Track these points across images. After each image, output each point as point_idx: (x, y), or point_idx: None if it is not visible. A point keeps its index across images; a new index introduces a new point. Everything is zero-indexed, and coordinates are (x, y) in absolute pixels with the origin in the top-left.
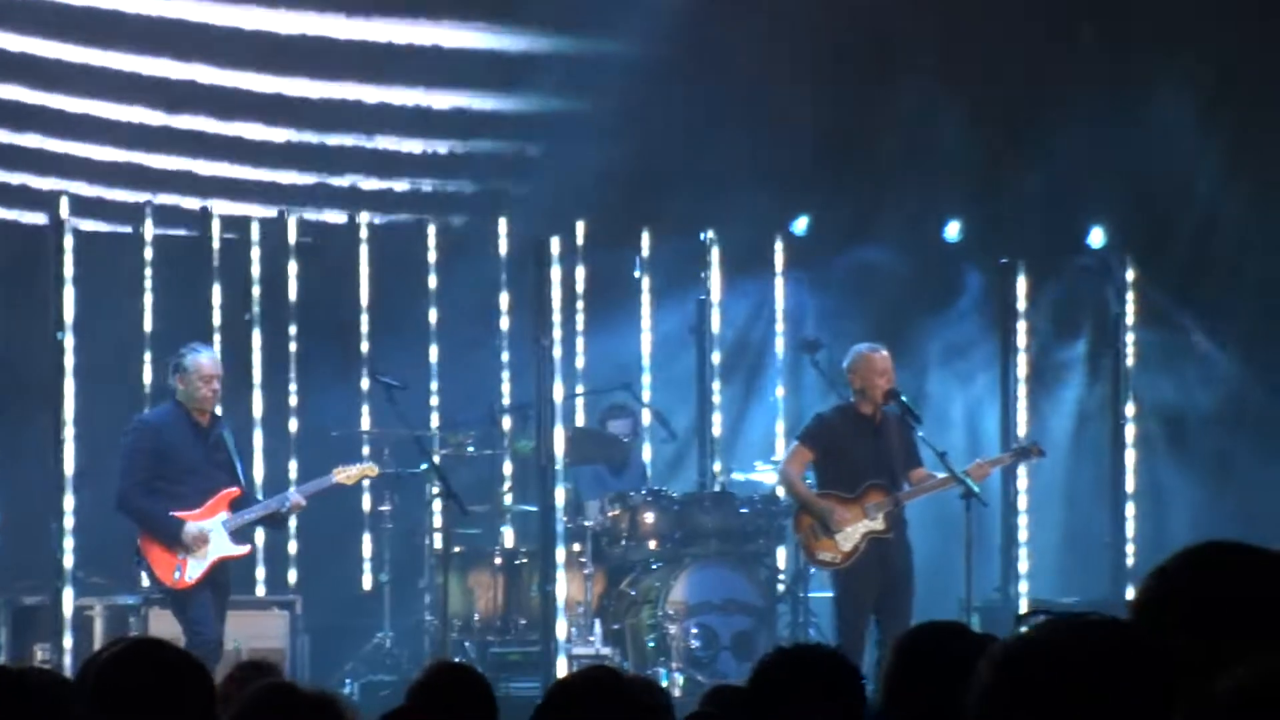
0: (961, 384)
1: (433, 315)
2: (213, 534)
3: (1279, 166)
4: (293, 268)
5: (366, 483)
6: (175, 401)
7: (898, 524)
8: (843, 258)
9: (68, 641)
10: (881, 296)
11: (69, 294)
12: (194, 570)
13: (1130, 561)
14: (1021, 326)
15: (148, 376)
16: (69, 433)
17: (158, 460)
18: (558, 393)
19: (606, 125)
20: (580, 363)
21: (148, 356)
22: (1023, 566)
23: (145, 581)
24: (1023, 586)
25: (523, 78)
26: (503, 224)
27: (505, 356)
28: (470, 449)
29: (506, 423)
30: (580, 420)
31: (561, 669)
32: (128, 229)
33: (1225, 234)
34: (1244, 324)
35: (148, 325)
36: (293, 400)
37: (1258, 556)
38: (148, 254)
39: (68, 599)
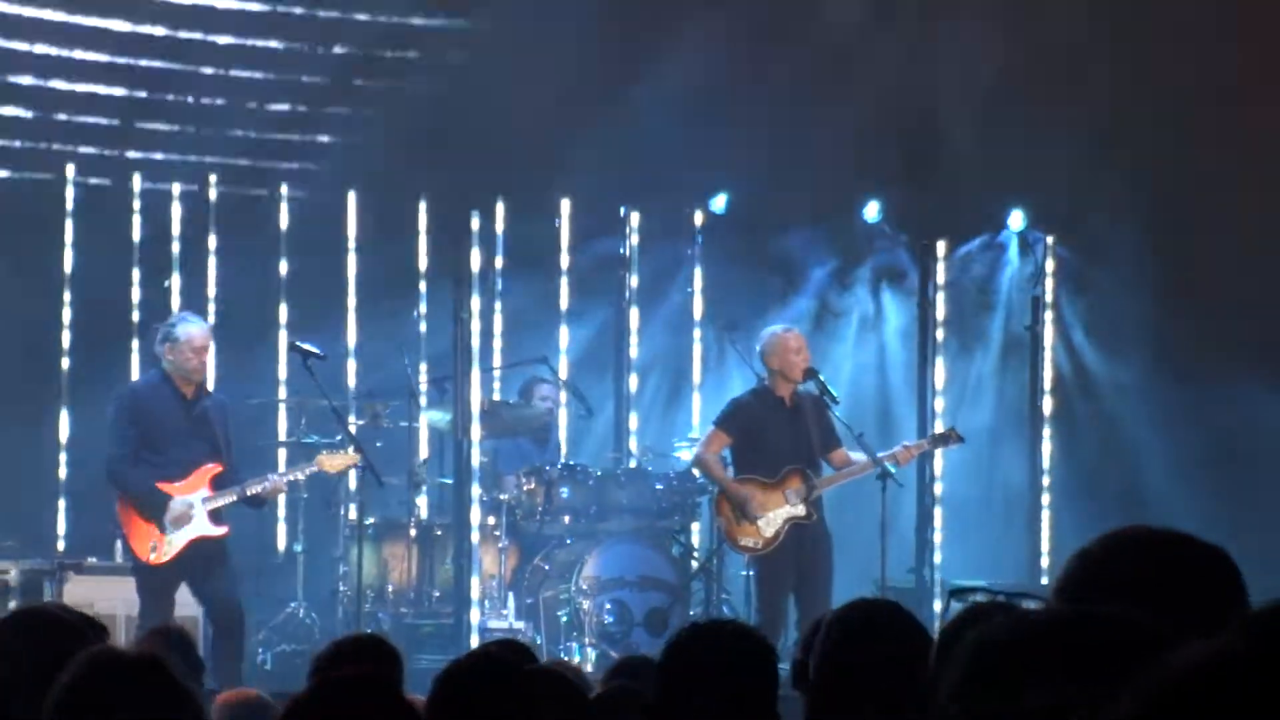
0: (877, 364)
1: (351, 285)
2: (193, 511)
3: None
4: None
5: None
6: (162, 371)
7: (818, 508)
8: (761, 236)
9: None
10: (800, 276)
11: None
12: (169, 549)
13: (1045, 543)
14: (940, 306)
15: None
16: None
17: (139, 429)
18: (475, 366)
19: (524, 98)
20: (498, 339)
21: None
22: (937, 549)
23: (120, 553)
24: (936, 568)
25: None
26: (422, 200)
27: (423, 329)
28: (387, 420)
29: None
30: (498, 394)
31: (474, 642)
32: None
33: (1142, 218)
34: (1162, 305)
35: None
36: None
37: (1179, 540)
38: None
39: None
